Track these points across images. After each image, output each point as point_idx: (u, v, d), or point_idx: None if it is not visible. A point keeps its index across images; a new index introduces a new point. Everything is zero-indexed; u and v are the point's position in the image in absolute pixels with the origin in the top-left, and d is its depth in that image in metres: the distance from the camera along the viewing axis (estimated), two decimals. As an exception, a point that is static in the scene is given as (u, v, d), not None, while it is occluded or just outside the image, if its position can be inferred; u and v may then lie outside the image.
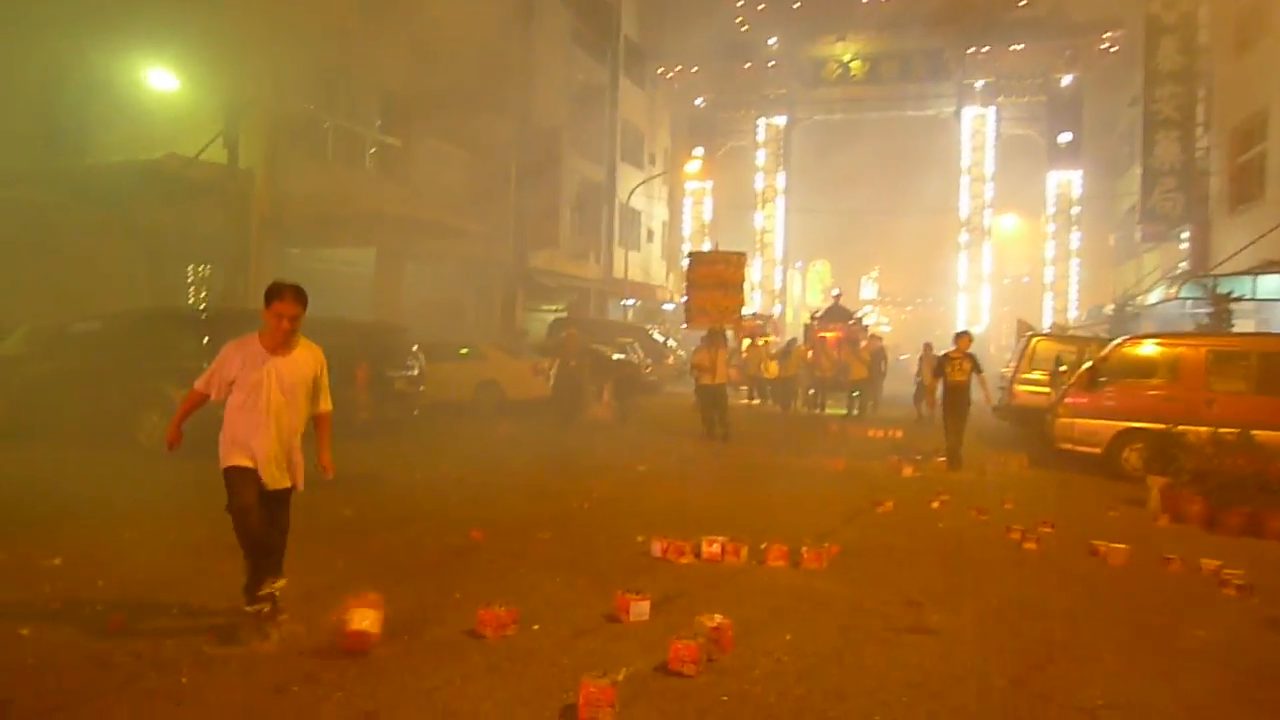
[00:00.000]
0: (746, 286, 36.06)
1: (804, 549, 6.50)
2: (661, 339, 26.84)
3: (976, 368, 11.94)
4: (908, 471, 11.20)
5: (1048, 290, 34.76)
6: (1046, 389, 14.15)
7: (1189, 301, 22.05)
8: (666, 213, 39.93)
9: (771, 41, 36.06)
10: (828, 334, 21.29)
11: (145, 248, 17.84)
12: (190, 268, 20.18)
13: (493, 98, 24.66)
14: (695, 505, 8.74)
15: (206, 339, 10.99)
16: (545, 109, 27.91)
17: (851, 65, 35.67)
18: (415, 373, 14.22)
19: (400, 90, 21.82)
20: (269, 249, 18.43)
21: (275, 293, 4.63)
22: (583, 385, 15.57)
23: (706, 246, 39.11)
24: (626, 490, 9.50)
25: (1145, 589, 6.33)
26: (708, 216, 38.68)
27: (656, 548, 6.56)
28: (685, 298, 17.43)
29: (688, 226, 38.91)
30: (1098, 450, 11.81)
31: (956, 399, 11.96)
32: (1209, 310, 17.87)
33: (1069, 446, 12.05)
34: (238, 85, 17.02)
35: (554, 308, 32.58)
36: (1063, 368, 13.88)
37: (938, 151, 35.78)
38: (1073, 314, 33.39)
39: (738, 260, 16.50)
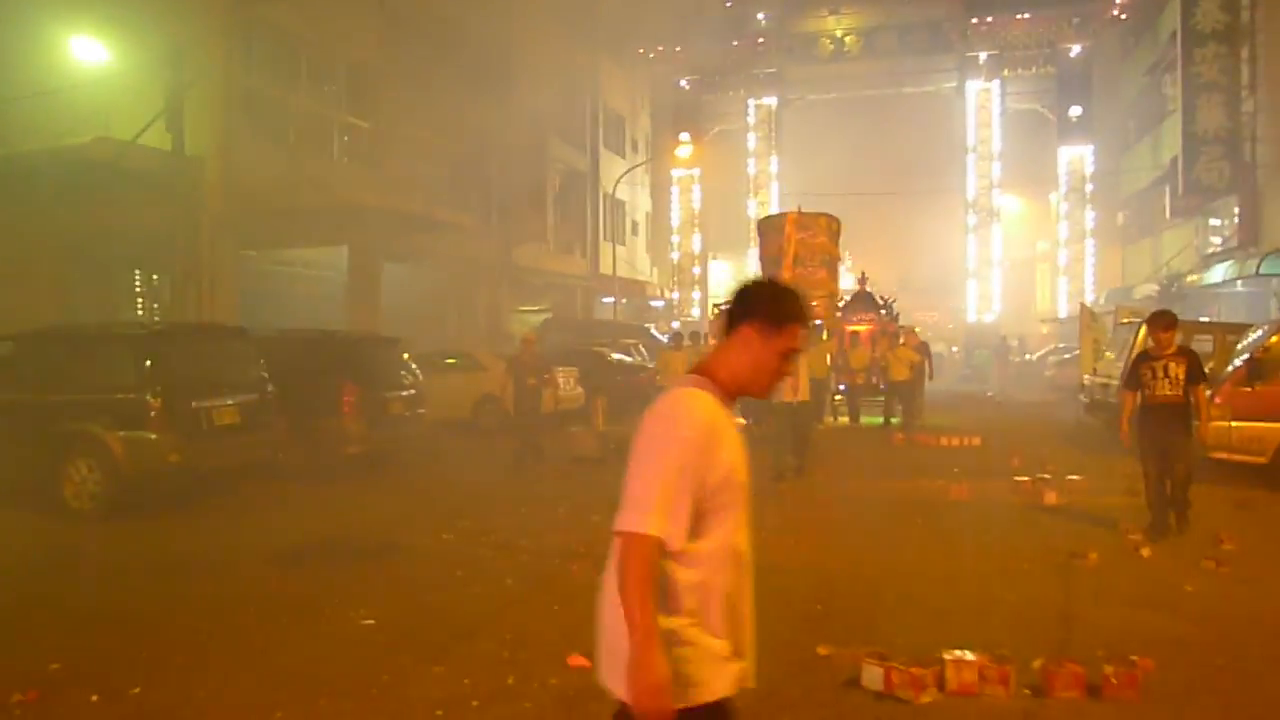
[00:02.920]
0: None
1: (1106, 670, 4.16)
2: (665, 339, 24.39)
3: (1196, 374, 7.36)
4: (1051, 499, 8.93)
5: (1062, 273, 32.85)
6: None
7: (1240, 281, 20.28)
8: (650, 203, 37.51)
9: (760, 17, 33.78)
10: (859, 327, 18.59)
11: (76, 251, 15.09)
12: (137, 274, 17.44)
13: (470, 77, 22.11)
14: (838, 572, 6.37)
15: (149, 363, 8.38)
16: (525, 91, 25.34)
17: (845, 40, 33.49)
18: (412, 392, 11.69)
19: (370, 63, 19.17)
20: (223, 250, 15.74)
21: (792, 310, 2.10)
22: (540, 411, 11.83)
23: (697, 238, 36.90)
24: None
25: None
26: (696, 205, 36.31)
27: (875, 677, 4.17)
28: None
29: (675, 217, 36.50)
30: (1263, 459, 9.68)
31: (1167, 426, 7.35)
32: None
33: (1224, 455, 9.88)
34: (182, 56, 14.36)
35: (535, 308, 30.05)
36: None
37: (941, 129, 33.77)
38: (1089, 297, 31.53)
39: (836, 228, 12.47)
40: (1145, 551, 6.89)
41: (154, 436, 8.09)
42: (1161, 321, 7.74)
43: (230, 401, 8.84)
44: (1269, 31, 20.85)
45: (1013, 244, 35.92)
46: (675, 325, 28.24)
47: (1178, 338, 7.72)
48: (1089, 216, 32.72)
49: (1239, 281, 19.57)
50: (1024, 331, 31.20)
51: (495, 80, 23.32)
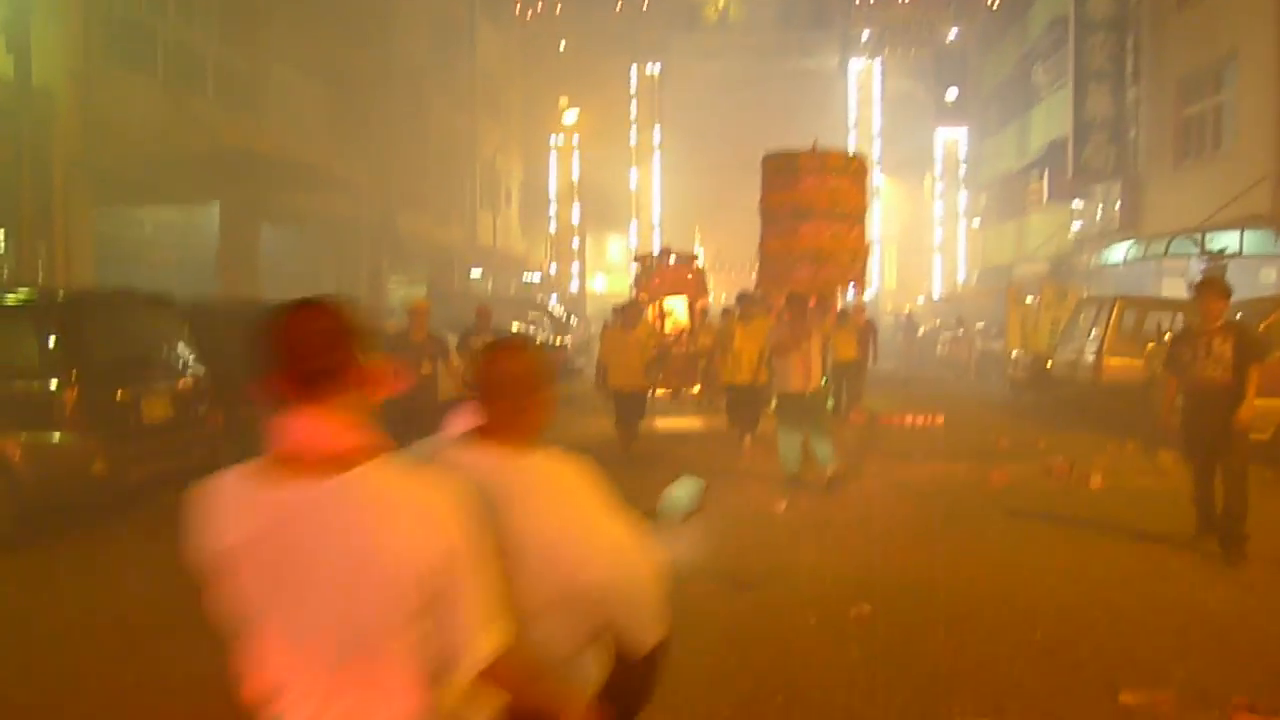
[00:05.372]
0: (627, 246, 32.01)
1: None
2: (564, 314, 23.04)
3: (1251, 351, 6.09)
4: (1096, 483, 8.43)
5: (936, 252, 33.76)
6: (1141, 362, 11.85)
7: (1126, 263, 21.15)
8: (522, 172, 35.67)
9: (644, -20, 32.68)
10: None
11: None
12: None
13: (351, 24, 19.84)
14: (1009, 585, 5.39)
15: (54, 340, 6.36)
16: (406, 44, 23.16)
17: (730, 10, 32.91)
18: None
19: (247, -5, 16.67)
20: (79, 202, 13.15)
21: None
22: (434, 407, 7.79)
23: (576, 209, 35.33)
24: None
25: None
26: (575, 175, 34.77)
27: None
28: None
29: (553, 187, 34.82)
30: (1264, 436, 9.56)
31: (1212, 415, 6.11)
32: (1203, 268, 16.60)
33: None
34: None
35: (406, 279, 27.85)
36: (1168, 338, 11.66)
37: (823, 107, 33.72)
38: (961, 276, 32.52)
39: (853, 165, 9.62)
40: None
41: (69, 439, 6.14)
42: (1214, 290, 6.38)
43: (160, 390, 6.94)
44: (1151, 25, 21.65)
45: (885, 224, 36.54)
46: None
47: (1222, 309, 6.30)
48: (962, 198, 33.72)
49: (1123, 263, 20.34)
50: (897, 308, 31.84)
51: (375, 31, 21.11)
